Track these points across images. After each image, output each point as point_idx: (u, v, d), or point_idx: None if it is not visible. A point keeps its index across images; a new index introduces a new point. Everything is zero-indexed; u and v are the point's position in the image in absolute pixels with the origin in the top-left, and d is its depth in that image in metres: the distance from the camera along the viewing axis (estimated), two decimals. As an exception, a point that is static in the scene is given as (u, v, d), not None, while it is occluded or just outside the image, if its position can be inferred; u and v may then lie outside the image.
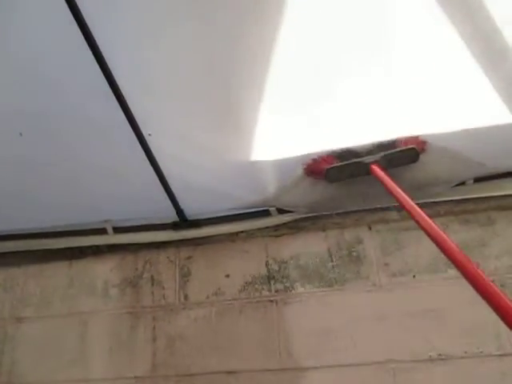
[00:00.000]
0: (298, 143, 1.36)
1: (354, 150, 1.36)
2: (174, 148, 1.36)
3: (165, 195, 1.53)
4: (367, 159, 1.35)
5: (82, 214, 1.67)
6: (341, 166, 1.36)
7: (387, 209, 1.54)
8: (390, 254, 1.52)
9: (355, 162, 1.36)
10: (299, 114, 1.27)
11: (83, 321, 1.71)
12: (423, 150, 1.35)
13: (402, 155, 1.33)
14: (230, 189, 1.50)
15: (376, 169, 1.32)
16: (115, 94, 1.18)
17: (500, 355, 1.34)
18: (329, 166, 1.36)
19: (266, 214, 1.60)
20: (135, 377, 1.59)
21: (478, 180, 1.47)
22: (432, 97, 1.23)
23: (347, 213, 1.57)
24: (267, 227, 1.63)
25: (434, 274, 1.46)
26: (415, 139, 1.34)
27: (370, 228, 1.56)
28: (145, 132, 1.29)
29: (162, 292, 1.68)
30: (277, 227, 1.63)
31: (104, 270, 1.77)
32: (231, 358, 1.53)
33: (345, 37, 1.11)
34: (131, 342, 1.64)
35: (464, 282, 1.40)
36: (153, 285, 1.70)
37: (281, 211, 1.59)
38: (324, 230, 1.60)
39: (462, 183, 1.47)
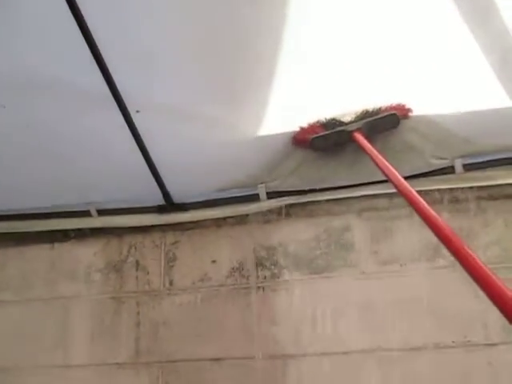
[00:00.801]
0: (285, 119, 1.34)
1: (339, 118, 1.39)
2: (161, 127, 1.32)
3: (151, 177, 1.49)
4: (350, 127, 1.38)
5: (65, 195, 1.62)
6: (325, 134, 1.40)
7: (376, 196, 1.53)
8: (379, 242, 1.50)
9: (339, 131, 1.39)
10: (287, 89, 1.24)
11: (64, 305, 1.67)
12: (406, 116, 1.38)
13: (383, 121, 1.36)
14: (219, 168, 1.46)
15: (358, 136, 1.34)
16: (100, 68, 1.13)
17: (487, 344, 1.33)
18: (314, 136, 1.40)
19: (254, 199, 1.57)
20: (117, 363, 1.56)
21: (469, 169, 1.45)
22: (425, 74, 1.22)
23: (336, 200, 1.55)
24: (255, 213, 1.60)
25: (422, 262, 1.45)
26: (399, 106, 1.36)
27: (359, 215, 1.54)
28: (132, 109, 1.24)
29: (146, 277, 1.65)
30: (265, 213, 1.60)
31: (87, 253, 1.73)
32: (216, 345, 1.51)
33: (343, 16, 1.08)
34: (114, 328, 1.61)
35: (452, 271, 1.41)
36: (137, 270, 1.66)
37: (270, 196, 1.56)
38: (313, 217, 1.57)
39: (452, 171, 1.45)
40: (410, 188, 1.00)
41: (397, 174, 1.07)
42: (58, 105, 1.27)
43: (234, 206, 1.59)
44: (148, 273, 1.65)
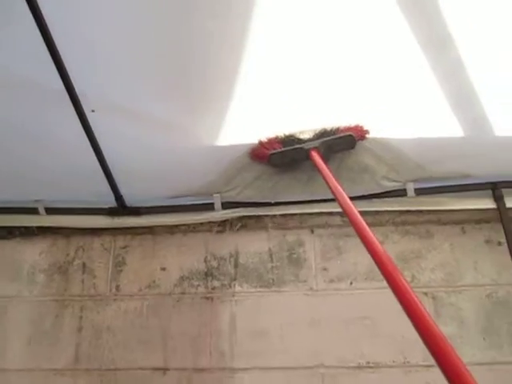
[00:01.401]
0: (244, 131, 1.34)
1: (298, 136, 1.41)
2: (116, 130, 1.28)
3: (104, 179, 1.44)
4: (307, 145, 1.39)
5: (11, 190, 1.54)
6: (283, 151, 1.40)
7: (330, 214, 1.54)
8: (330, 260, 1.52)
9: (296, 148, 1.40)
10: (247, 102, 1.24)
11: (3, 305, 1.60)
12: (363, 137, 1.40)
13: (340, 141, 1.38)
14: (174, 175, 1.44)
15: (314, 155, 1.36)
16: (56, 65, 1.08)
17: (426, 366, 1.36)
18: (272, 151, 1.40)
19: (209, 208, 1.55)
20: (55, 369, 1.50)
21: (420, 193, 1.49)
22: (384, 98, 1.24)
23: (291, 215, 1.56)
24: (209, 222, 1.59)
25: (370, 281, 1.47)
26: (356, 127, 1.38)
27: (312, 231, 1.55)
28: (87, 108, 1.20)
29: (92, 281, 1.59)
30: (219, 223, 1.59)
31: (32, 253, 1.66)
32: (160, 354, 1.48)
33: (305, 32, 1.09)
34: (54, 332, 1.55)
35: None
36: (84, 273, 1.61)
37: (225, 206, 1.54)
38: (267, 230, 1.57)
39: (404, 193, 1.49)
40: (355, 209, 1.02)
41: (344, 194, 1.09)
42: (12, 100, 1.21)
43: (188, 213, 1.56)
44: (95, 276, 1.60)
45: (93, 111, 1.23)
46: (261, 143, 1.40)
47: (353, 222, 0.98)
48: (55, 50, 1.07)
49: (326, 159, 1.35)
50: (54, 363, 1.51)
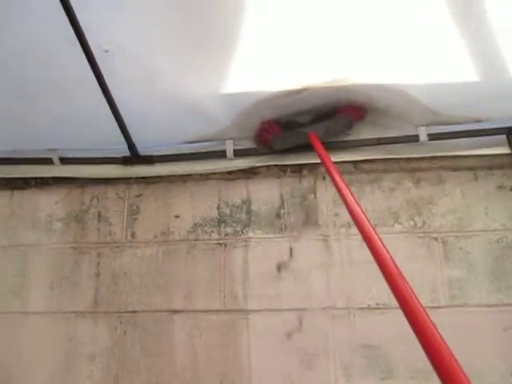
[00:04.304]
0: (253, 79, 1.32)
1: (298, 119, 1.49)
2: (127, 73, 1.27)
3: (116, 127, 1.45)
4: (307, 129, 1.45)
5: (25, 140, 1.56)
6: (284, 135, 1.49)
7: (343, 162, 1.54)
8: (341, 205, 1.53)
9: (297, 132, 1.47)
10: (254, 50, 1.22)
11: (24, 253, 1.65)
12: (360, 117, 1.48)
13: (337, 124, 1.47)
14: (186, 120, 1.43)
15: (314, 138, 1.41)
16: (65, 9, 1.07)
17: (433, 307, 1.39)
18: (274, 136, 1.49)
19: (221, 155, 1.56)
20: (76, 311, 1.56)
21: (433, 138, 1.48)
22: (398, 45, 1.21)
23: (302, 163, 1.56)
24: (221, 171, 1.60)
25: (380, 227, 1.49)
26: (353, 108, 1.45)
27: (324, 178, 1.56)
28: (96, 48, 1.17)
29: (108, 229, 1.63)
30: (231, 171, 1.60)
31: (48, 202, 1.69)
32: (175, 297, 1.53)
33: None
34: (74, 277, 1.60)
35: (405, 239, 1.47)
36: (99, 221, 1.65)
37: (237, 154, 1.55)
38: (278, 178, 1.58)
39: (417, 139, 1.48)
40: (355, 202, 1.03)
41: (345, 184, 1.12)
42: (24, 49, 1.20)
43: (201, 161, 1.58)
44: (110, 224, 1.63)
45: (106, 51, 1.21)
46: (261, 128, 1.49)
47: (350, 210, 1.00)
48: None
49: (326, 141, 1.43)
50: (75, 306, 1.57)
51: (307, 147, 1.45)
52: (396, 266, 0.81)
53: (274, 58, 1.27)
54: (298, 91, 1.36)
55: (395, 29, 1.18)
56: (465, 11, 1.12)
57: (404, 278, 0.80)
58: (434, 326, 0.69)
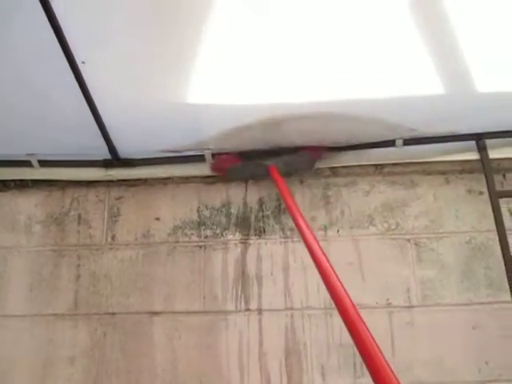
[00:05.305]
0: (235, 92, 1.34)
1: (258, 151, 1.50)
2: (109, 79, 1.29)
3: (97, 130, 1.45)
4: (267, 162, 1.48)
5: (4, 144, 1.55)
6: (242, 165, 1.51)
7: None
8: (318, 209, 1.57)
9: (256, 163, 1.50)
10: (239, 63, 1.25)
11: (3, 256, 1.64)
12: (320, 157, 1.53)
13: (299, 161, 1.50)
14: (166, 129, 1.45)
15: (274, 171, 1.45)
16: (45, 11, 1.08)
17: (406, 307, 1.45)
18: (231, 165, 1.51)
19: (201, 159, 1.59)
20: (55, 314, 1.56)
21: (407, 143, 1.53)
22: (365, 62, 1.24)
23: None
24: (201, 175, 1.62)
25: (356, 229, 1.54)
26: (314, 148, 1.49)
27: (301, 182, 1.60)
28: (78, 57, 1.19)
29: (88, 231, 1.64)
30: (211, 175, 1.62)
31: (28, 205, 1.69)
32: (155, 299, 1.54)
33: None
34: (53, 280, 1.60)
35: (379, 241, 1.52)
36: (79, 223, 1.65)
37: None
38: (257, 181, 1.62)
39: (393, 144, 1.53)
40: (310, 232, 1.12)
41: (301, 216, 1.18)
42: (5, 54, 1.21)
43: (181, 165, 1.60)
44: (90, 227, 1.64)
45: (83, 63, 1.23)
46: (219, 158, 1.50)
47: (304, 238, 1.09)
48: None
49: (284, 177, 1.45)
50: (55, 308, 1.56)
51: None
52: (333, 271, 0.91)
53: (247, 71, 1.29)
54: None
55: (362, 44, 1.20)
56: (430, 25, 1.17)
57: (339, 281, 0.91)
58: (365, 324, 0.78)
